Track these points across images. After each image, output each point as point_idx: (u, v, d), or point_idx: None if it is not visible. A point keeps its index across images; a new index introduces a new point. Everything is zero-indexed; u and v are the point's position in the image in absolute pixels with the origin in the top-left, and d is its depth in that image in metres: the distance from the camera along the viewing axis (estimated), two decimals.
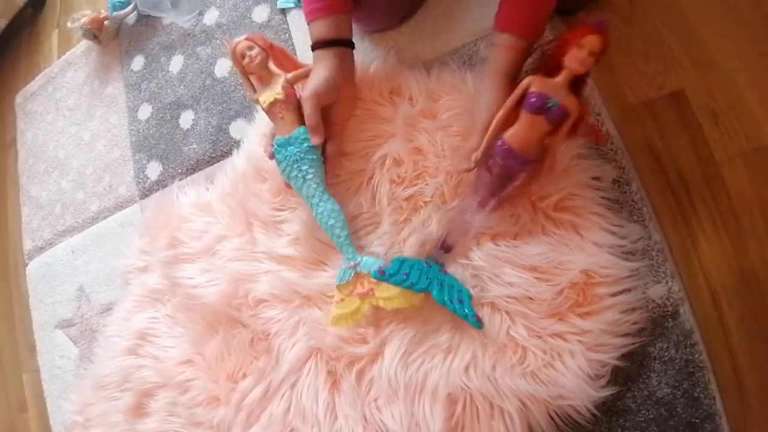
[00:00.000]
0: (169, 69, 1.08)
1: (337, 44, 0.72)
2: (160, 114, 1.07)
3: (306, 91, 0.71)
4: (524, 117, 0.61)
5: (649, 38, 0.76)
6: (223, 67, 1.02)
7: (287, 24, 0.99)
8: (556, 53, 0.62)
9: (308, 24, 0.73)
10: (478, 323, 0.68)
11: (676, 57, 0.74)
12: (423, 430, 0.69)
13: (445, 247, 0.71)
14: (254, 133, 0.90)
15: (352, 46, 0.74)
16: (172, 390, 0.85)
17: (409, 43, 0.86)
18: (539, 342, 0.66)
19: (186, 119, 1.03)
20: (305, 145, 0.72)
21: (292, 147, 0.73)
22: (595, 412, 0.66)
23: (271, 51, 0.76)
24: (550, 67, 0.63)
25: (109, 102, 1.15)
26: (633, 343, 0.65)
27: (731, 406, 0.64)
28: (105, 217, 1.08)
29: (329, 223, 0.73)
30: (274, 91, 0.73)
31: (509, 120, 0.63)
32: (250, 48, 0.74)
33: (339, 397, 0.75)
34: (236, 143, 0.95)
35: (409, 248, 0.73)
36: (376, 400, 0.72)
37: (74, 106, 1.20)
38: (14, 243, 1.24)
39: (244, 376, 0.80)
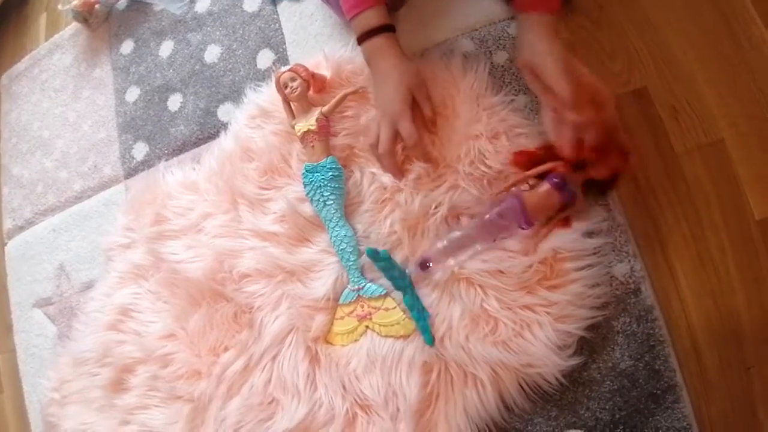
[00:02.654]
0: (159, 53, 1.10)
1: (392, 29, 0.75)
2: (148, 96, 1.08)
3: (395, 92, 0.72)
4: (545, 187, 0.69)
5: (616, 39, 0.81)
6: (213, 53, 1.04)
7: (277, 15, 1.02)
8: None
9: (354, 19, 0.74)
10: (430, 340, 0.72)
11: (640, 57, 0.80)
12: (400, 398, 0.72)
13: (423, 265, 0.73)
14: (242, 116, 0.92)
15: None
16: (153, 364, 0.86)
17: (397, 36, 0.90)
18: (510, 313, 0.70)
19: (174, 102, 1.05)
20: (330, 174, 0.79)
21: (318, 174, 0.80)
22: (562, 381, 0.70)
23: (312, 80, 0.83)
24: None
25: (97, 84, 1.15)
26: (597, 316, 0.70)
27: (691, 379, 0.69)
28: (89, 197, 1.08)
29: (341, 247, 0.78)
30: (309, 122, 0.80)
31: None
32: (293, 79, 0.81)
33: (319, 369, 0.77)
34: (224, 125, 0.97)
35: (390, 226, 0.76)
36: (354, 370, 0.75)
37: (60, 87, 1.20)
38: None
39: (226, 349, 0.82)
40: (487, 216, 0.70)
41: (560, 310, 0.69)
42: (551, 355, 0.68)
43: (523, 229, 0.70)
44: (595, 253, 0.71)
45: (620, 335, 0.71)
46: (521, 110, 0.79)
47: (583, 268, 0.70)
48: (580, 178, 0.70)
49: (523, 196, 0.69)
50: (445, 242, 0.72)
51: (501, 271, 0.71)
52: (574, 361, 0.69)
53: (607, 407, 0.69)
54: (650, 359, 0.69)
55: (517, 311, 0.70)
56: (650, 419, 0.68)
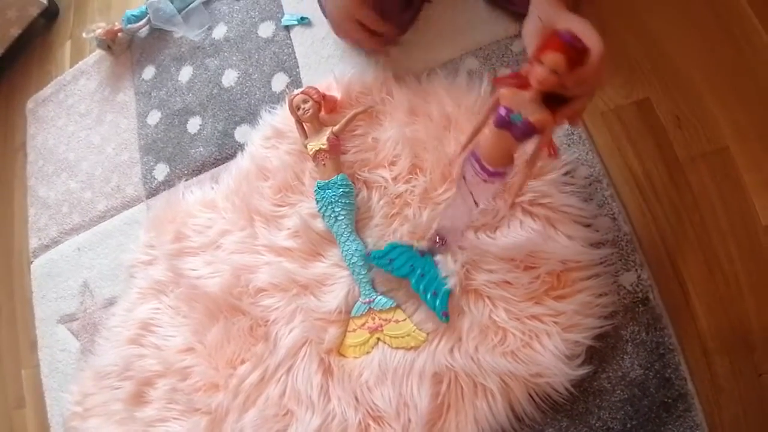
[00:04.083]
0: (179, 78, 1.15)
1: None
2: (168, 120, 1.13)
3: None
4: (491, 129, 0.57)
5: (617, 52, 0.83)
6: (230, 77, 1.09)
7: (290, 39, 1.07)
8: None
9: None
10: (445, 318, 0.73)
11: (642, 68, 0.81)
12: (411, 409, 0.73)
13: (438, 242, 0.76)
14: (258, 137, 0.96)
15: None
16: (172, 377, 0.88)
17: (403, 56, 0.93)
18: (518, 324, 0.71)
19: (193, 124, 1.10)
20: (340, 190, 0.82)
21: (329, 191, 0.83)
22: (572, 390, 0.70)
23: (323, 101, 0.87)
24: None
25: (120, 108, 1.21)
26: (605, 325, 0.71)
27: (703, 387, 0.69)
28: (112, 216, 1.13)
29: (352, 260, 0.81)
30: (320, 142, 0.84)
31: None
32: (305, 101, 0.85)
33: (332, 380, 0.79)
34: (241, 146, 1.01)
35: (399, 238, 0.79)
36: (366, 381, 0.77)
37: (85, 111, 1.26)
38: (19, 241, 1.28)
39: (243, 361, 0.84)
40: (456, 186, 0.65)
41: (568, 320, 0.70)
42: (560, 364, 0.69)
43: (489, 182, 0.60)
44: (601, 263, 0.72)
45: (629, 344, 0.71)
46: None
47: (590, 278, 0.71)
48: (531, 96, 0.53)
49: (477, 147, 0.59)
50: (442, 222, 0.72)
51: (508, 282, 0.72)
52: (584, 371, 0.70)
53: (618, 417, 0.70)
54: (660, 367, 0.69)
55: (525, 321, 0.71)
56: (662, 428, 0.68)
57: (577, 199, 0.75)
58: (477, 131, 0.61)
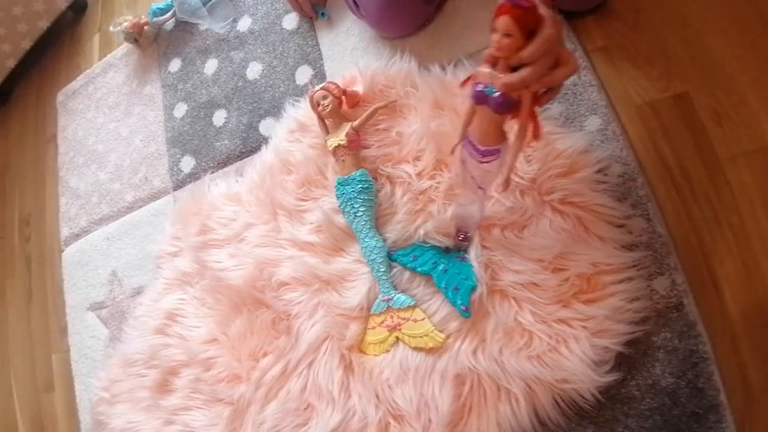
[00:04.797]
0: (204, 71, 1.16)
1: None
2: (194, 112, 1.14)
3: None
4: (474, 108, 0.58)
5: (654, 43, 0.79)
6: (255, 70, 1.09)
7: (315, 32, 1.05)
8: None
9: None
10: (465, 313, 0.72)
11: (680, 60, 0.78)
12: (432, 409, 0.72)
13: (462, 237, 0.75)
14: (282, 130, 0.96)
15: None
16: (196, 367, 0.90)
17: (427, 48, 0.92)
18: (545, 327, 0.69)
19: (219, 117, 1.10)
20: (359, 186, 0.82)
21: (348, 187, 0.82)
22: (599, 397, 0.68)
23: (344, 96, 0.86)
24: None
25: (147, 101, 1.22)
26: (636, 331, 0.68)
27: (735, 398, 0.66)
28: (139, 207, 1.15)
29: (371, 257, 0.80)
30: (339, 137, 0.83)
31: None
32: (325, 97, 0.85)
33: (353, 377, 0.79)
34: (265, 140, 1.01)
35: (422, 235, 0.78)
36: (387, 380, 0.76)
37: (114, 104, 1.28)
38: (51, 231, 1.32)
39: (265, 354, 0.84)
40: (462, 175, 0.66)
41: (597, 325, 0.67)
42: (587, 370, 0.67)
43: (485, 162, 0.60)
44: (634, 266, 0.70)
45: (661, 351, 0.68)
46: (555, 119, 0.78)
47: (621, 282, 0.69)
48: (500, 70, 0.53)
49: (469, 131, 0.60)
50: (456, 214, 0.71)
51: (536, 284, 0.70)
52: (612, 378, 0.67)
53: (646, 426, 0.67)
54: (693, 377, 0.67)
55: (553, 325, 0.69)
56: None
57: (609, 198, 0.72)
58: (469, 117, 0.60)
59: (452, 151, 0.65)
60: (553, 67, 0.52)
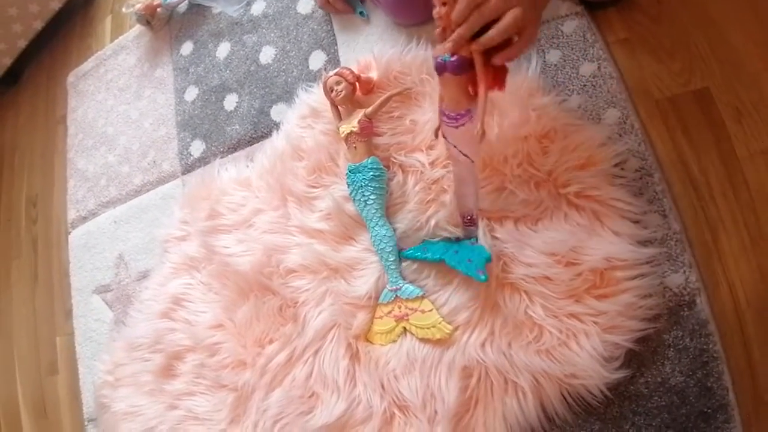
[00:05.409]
0: (216, 55, 1.15)
1: None
2: (205, 96, 1.13)
3: None
4: (441, 82, 0.62)
5: (676, 37, 0.78)
6: (268, 54, 1.08)
7: (329, 16, 1.04)
8: None
9: None
10: (482, 276, 0.71)
11: (702, 56, 0.76)
12: (438, 401, 0.72)
13: (467, 221, 0.74)
14: (294, 116, 0.95)
15: None
16: (201, 353, 0.90)
17: None
18: (555, 321, 0.69)
19: (230, 102, 1.09)
20: (370, 174, 0.81)
21: (359, 174, 0.81)
22: (607, 393, 0.68)
23: (358, 82, 0.85)
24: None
25: (158, 84, 1.22)
26: (647, 328, 0.68)
27: (744, 398, 0.65)
28: (148, 190, 1.14)
29: (381, 246, 0.79)
30: (351, 124, 0.82)
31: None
32: (338, 83, 0.84)
33: (358, 366, 0.78)
34: (276, 125, 1.00)
35: (433, 225, 0.77)
36: (394, 370, 0.76)
37: (124, 86, 1.28)
38: (58, 212, 1.32)
39: (271, 341, 0.84)
40: (447, 150, 0.69)
41: (609, 321, 0.67)
42: (597, 366, 0.66)
43: (459, 125, 0.63)
44: (648, 263, 0.69)
45: (671, 349, 0.68)
46: (574, 110, 0.77)
47: (635, 278, 0.68)
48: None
49: (442, 106, 0.64)
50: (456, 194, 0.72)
51: (548, 278, 0.70)
52: (621, 374, 0.67)
53: (653, 424, 0.67)
54: (702, 376, 0.66)
55: (564, 320, 0.68)
56: None
57: (626, 193, 0.71)
58: (440, 94, 0.64)
59: (436, 134, 0.67)
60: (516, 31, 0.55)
